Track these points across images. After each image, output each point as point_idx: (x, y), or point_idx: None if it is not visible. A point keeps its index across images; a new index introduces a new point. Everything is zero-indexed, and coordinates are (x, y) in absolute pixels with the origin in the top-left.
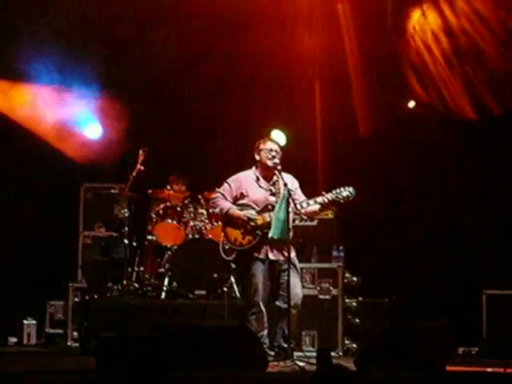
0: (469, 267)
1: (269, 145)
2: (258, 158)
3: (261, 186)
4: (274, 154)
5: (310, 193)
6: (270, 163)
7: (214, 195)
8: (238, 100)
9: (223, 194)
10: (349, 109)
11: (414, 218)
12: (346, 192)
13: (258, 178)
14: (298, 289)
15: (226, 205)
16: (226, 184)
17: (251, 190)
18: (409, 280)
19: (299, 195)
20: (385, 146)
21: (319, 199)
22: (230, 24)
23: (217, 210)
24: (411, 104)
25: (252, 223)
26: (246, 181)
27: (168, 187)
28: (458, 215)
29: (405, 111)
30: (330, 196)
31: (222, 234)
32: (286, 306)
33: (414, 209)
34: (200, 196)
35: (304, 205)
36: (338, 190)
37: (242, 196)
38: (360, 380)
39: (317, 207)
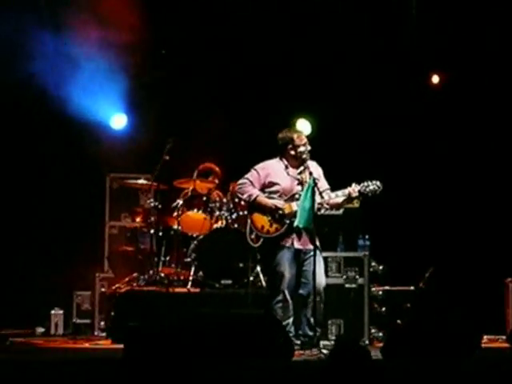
0: (495, 256)
1: (304, 140)
2: (293, 152)
3: (289, 175)
4: (308, 148)
5: (335, 183)
6: (306, 157)
7: (240, 181)
8: (265, 86)
9: (251, 181)
10: None
11: (439, 206)
12: (372, 186)
13: (286, 167)
14: (320, 277)
15: (254, 192)
16: (253, 171)
17: (280, 179)
18: (436, 268)
19: (323, 183)
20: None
21: (346, 191)
22: None
23: (244, 197)
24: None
25: (280, 212)
26: (275, 169)
27: (194, 176)
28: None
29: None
30: (356, 189)
31: (249, 220)
32: (307, 294)
33: (440, 197)
34: (226, 186)
35: (332, 195)
36: (365, 184)
37: (271, 184)
38: (387, 369)
39: (342, 199)
